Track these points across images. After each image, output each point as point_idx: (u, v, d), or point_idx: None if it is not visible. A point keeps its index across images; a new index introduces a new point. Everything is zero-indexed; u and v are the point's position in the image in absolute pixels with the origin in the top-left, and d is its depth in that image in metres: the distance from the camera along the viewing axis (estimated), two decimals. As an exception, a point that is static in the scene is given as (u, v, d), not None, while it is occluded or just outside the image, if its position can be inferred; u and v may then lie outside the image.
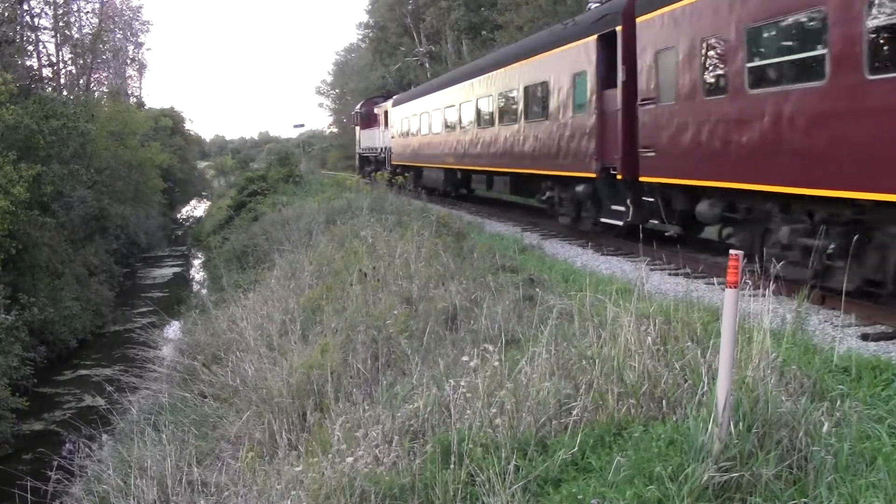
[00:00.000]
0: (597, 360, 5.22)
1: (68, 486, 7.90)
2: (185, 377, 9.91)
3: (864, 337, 7.16)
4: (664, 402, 4.81)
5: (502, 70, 19.24)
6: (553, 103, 15.71)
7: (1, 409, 12.52)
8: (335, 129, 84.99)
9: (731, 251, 4.04)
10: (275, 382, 7.42)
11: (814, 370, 5.20)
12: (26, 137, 18.30)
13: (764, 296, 5.48)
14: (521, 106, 17.68)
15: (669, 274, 10.76)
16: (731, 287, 3.97)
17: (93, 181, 25.51)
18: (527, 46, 18.40)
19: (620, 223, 13.27)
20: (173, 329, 16.55)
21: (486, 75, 20.50)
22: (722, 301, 4.14)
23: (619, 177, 12.93)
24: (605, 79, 13.56)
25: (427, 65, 49.94)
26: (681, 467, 3.91)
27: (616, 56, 13.02)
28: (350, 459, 4.83)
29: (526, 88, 17.30)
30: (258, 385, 7.76)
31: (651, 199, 12.41)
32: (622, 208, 13.20)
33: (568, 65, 15.00)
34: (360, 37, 70.69)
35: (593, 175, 13.94)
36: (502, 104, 19.15)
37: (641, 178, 12.39)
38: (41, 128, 18.74)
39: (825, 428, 4.16)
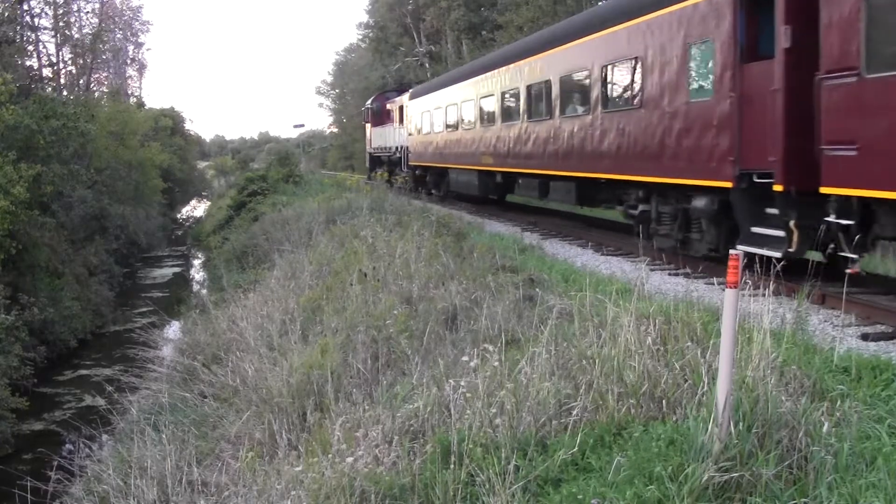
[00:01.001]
0: (597, 360, 5.22)
1: (68, 486, 7.90)
2: (185, 377, 9.92)
3: (864, 337, 7.16)
4: (664, 402, 4.81)
5: (565, 48, 15.23)
6: (651, 86, 11.70)
7: (1, 409, 12.52)
8: (335, 129, 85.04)
9: (732, 251, 4.03)
10: (275, 382, 7.42)
11: (814, 370, 5.20)
12: (26, 137, 18.29)
13: (764, 296, 5.49)
14: (595, 92, 13.69)
15: (669, 274, 10.76)
16: (731, 287, 3.97)
17: (93, 181, 25.52)
18: (604, 14, 14.20)
19: (778, 255, 8.62)
20: (173, 329, 16.56)
21: (541, 56, 16.44)
22: (722, 301, 4.14)
23: (776, 187, 8.97)
24: (749, 48, 9.77)
25: (427, 65, 49.92)
26: (681, 467, 3.91)
27: (765, 14, 9.31)
28: (350, 459, 4.83)
29: (604, 69, 13.30)
30: (258, 385, 7.76)
31: (844, 221, 8.21)
32: (778, 233, 9.20)
33: (676, 33, 11.07)
34: (360, 37, 70.67)
35: (727, 184, 9.99)
36: (565, 91, 15.27)
37: (826, 189, 8.29)
38: (41, 128, 18.74)
39: (825, 428, 4.16)
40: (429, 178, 27.92)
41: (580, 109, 14.55)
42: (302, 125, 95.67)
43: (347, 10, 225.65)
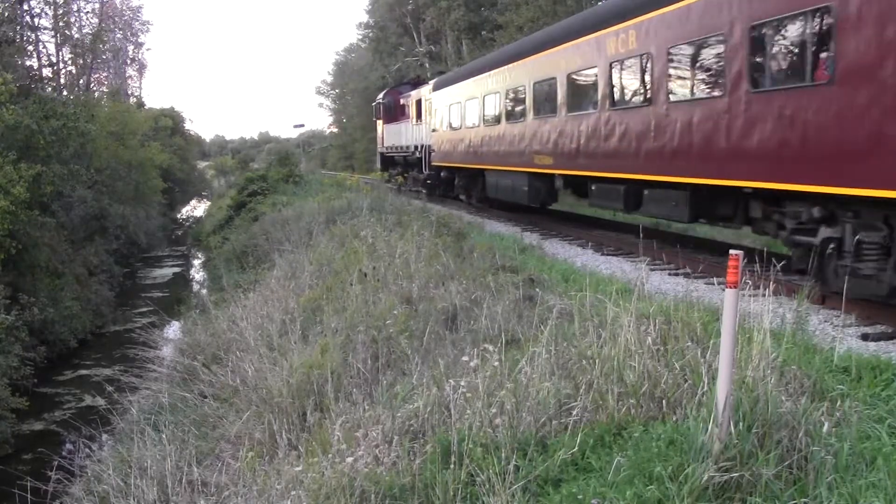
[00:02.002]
0: (597, 360, 5.22)
1: (68, 486, 7.89)
2: (185, 377, 9.91)
3: (864, 337, 7.16)
4: (664, 402, 4.81)
5: (678, 6, 10.81)
6: (856, 52, 7.63)
7: (1, 409, 12.53)
8: (335, 129, 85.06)
9: (731, 251, 4.03)
10: (275, 382, 7.42)
11: (814, 370, 5.20)
12: (26, 137, 18.31)
13: (764, 296, 5.49)
14: (736, 63, 9.52)
15: (669, 274, 10.76)
16: (731, 287, 3.96)
17: (93, 181, 25.53)
18: None
19: None
20: (173, 329, 16.56)
21: (635, 22, 12.05)
22: (722, 301, 4.14)
23: None
24: None
25: (427, 65, 49.93)
26: (681, 467, 3.90)
27: None
28: (350, 459, 4.83)
29: (753, 30, 9.16)
30: (258, 385, 7.76)
31: None
32: None
33: None
34: (360, 37, 70.73)
35: None
36: (676, 66, 11.11)
37: None
38: (41, 128, 18.75)
39: (825, 428, 4.16)
40: (459, 182, 23.95)
41: (704, 91, 10.52)
42: (302, 125, 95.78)
43: (347, 10, 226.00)
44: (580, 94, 14.49)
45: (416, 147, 28.21)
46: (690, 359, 5.13)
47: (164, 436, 7.01)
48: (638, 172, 12.24)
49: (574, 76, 14.65)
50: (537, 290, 8.71)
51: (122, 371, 11.99)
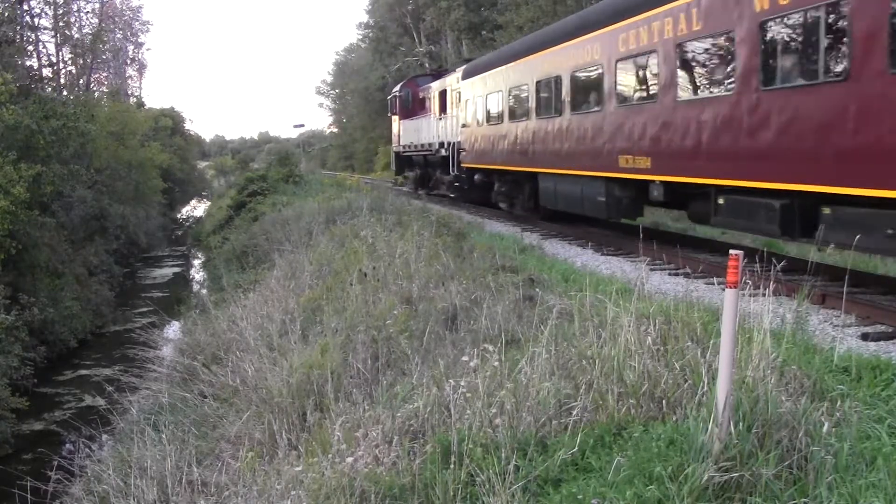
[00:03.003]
0: (597, 360, 5.22)
1: (68, 486, 7.89)
2: (185, 377, 9.91)
3: (864, 337, 7.16)
4: (664, 402, 4.81)
5: None
6: None
7: (1, 409, 12.52)
8: (335, 129, 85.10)
9: (731, 251, 4.04)
10: (275, 382, 7.42)
11: (814, 370, 5.20)
12: (26, 137, 18.31)
13: (764, 296, 5.48)
14: None
15: (669, 274, 10.76)
16: (731, 287, 3.96)
17: (93, 181, 25.53)
18: None
19: None
20: (173, 329, 16.56)
21: None
22: (722, 301, 4.14)
23: None
24: None
25: (427, 65, 49.95)
26: (681, 467, 3.90)
27: None
28: (350, 459, 4.83)
29: None
30: (258, 385, 7.76)
31: None
32: None
33: None
34: (360, 37, 70.81)
35: None
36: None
37: None
38: (41, 128, 18.75)
39: (825, 428, 4.15)
40: (499, 187, 19.75)
41: None
42: (302, 125, 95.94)
43: (347, 10, 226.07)
44: (702, 71, 10.67)
45: (440, 145, 24.45)
46: (690, 359, 5.13)
47: (164, 436, 7.01)
48: (814, 181, 8.37)
49: (688, 47, 10.61)
50: (537, 290, 8.71)
51: (122, 371, 11.98)
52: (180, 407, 8.70)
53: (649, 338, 5.33)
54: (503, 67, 18.64)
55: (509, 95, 18.18)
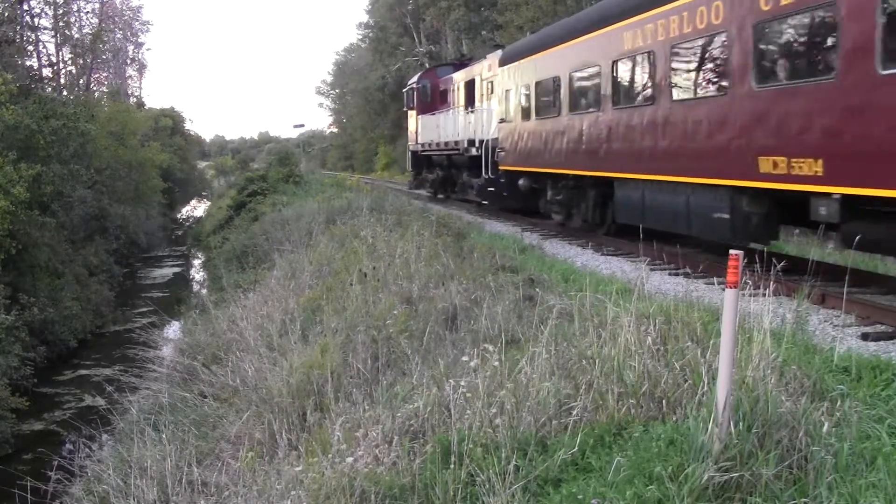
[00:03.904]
0: (597, 360, 5.22)
1: (68, 486, 7.90)
2: (185, 377, 9.92)
3: (864, 337, 7.16)
4: (664, 402, 4.81)
5: None
6: None
7: (1, 409, 12.52)
8: (335, 129, 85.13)
9: (731, 251, 4.03)
10: (275, 382, 7.42)
11: (814, 370, 5.20)
12: (26, 137, 18.31)
13: (764, 296, 5.49)
14: None
15: (669, 274, 10.76)
16: (731, 287, 3.96)
17: (93, 181, 25.52)
18: None
19: None
20: (173, 329, 16.56)
21: None
22: (722, 301, 4.14)
23: None
24: None
25: (427, 64, 49.96)
26: (681, 467, 3.90)
27: None
28: (350, 459, 4.83)
29: None
30: (258, 385, 7.76)
31: None
32: None
33: None
34: (360, 37, 70.87)
35: None
36: None
37: None
38: (41, 128, 18.75)
39: (825, 428, 4.15)
40: (553, 195, 16.15)
41: None
42: (302, 125, 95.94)
43: (347, 10, 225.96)
44: None
45: (469, 143, 21.31)
46: (690, 359, 5.13)
47: (164, 436, 7.01)
48: None
49: None
50: (537, 290, 8.71)
51: (122, 371, 11.98)
52: (180, 407, 8.70)
53: (649, 338, 5.33)
54: (560, 48, 15.00)
55: (570, 82, 14.49)
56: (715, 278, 9.45)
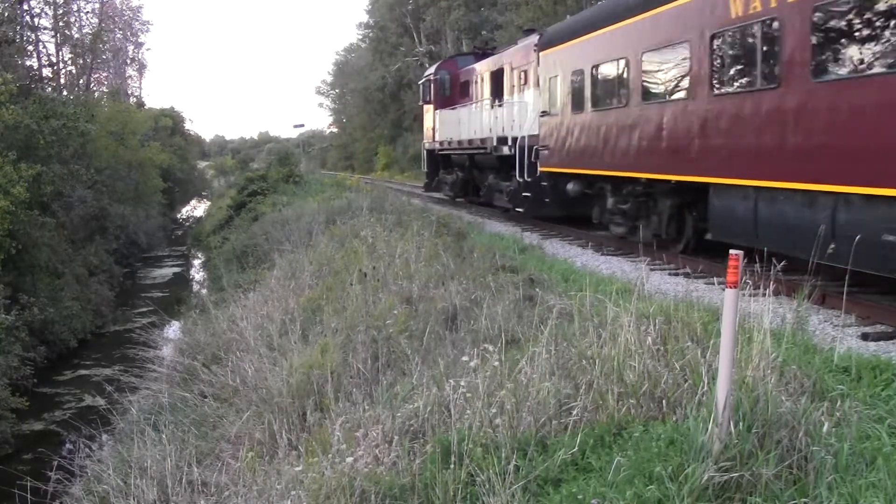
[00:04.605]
0: (597, 360, 5.22)
1: (68, 486, 7.90)
2: (185, 377, 9.91)
3: (864, 337, 7.16)
4: (664, 402, 4.81)
5: None
6: None
7: (1, 409, 12.52)
8: (335, 129, 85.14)
9: (731, 251, 4.03)
10: (275, 382, 7.42)
11: (814, 370, 5.20)
12: (26, 137, 18.32)
13: (764, 296, 5.49)
14: None
15: (669, 274, 10.76)
16: (731, 287, 3.96)
17: (93, 181, 25.51)
18: None
19: None
20: (173, 329, 16.55)
21: None
22: (722, 301, 4.14)
23: None
24: None
25: (427, 65, 50.00)
26: (681, 467, 3.91)
27: None
28: (350, 459, 4.83)
29: None
30: (258, 385, 7.76)
31: None
32: None
33: None
34: (360, 37, 70.94)
35: None
36: None
37: None
38: (41, 128, 18.76)
39: (825, 428, 4.15)
40: (618, 203, 13.60)
41: None
42: (302, 125, 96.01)
43: (347, 10, 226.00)
44: None
45: (499, 140, 18.90)
46: (690, 359, 5.13)
47: (164, 436, 7.01)
48: None
49: None
50: (537, 290, 8.71)
51: (122, 371, 11.99)
52: (180, 407, 8.70)
53: (649, 338, 5.33)
54: (630, 22, 12.40)
55: (641, 63, 12.02)
56: (715, 278, 9.46)
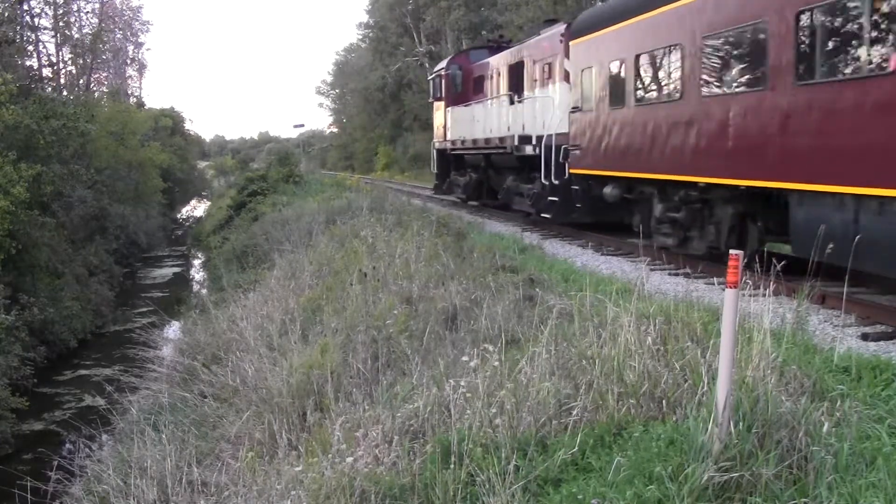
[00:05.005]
0: (597, 360, 5.22)
1: (68, 486, 7.90)
2: (185, 377, 9.91)
3: (864, 337, 7.16)
4: (664, 402, 4.81)
5: None
6: None
7: (1, 409, 12.52)
8: (335, 129, 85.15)
9: (731, 251, 4.03)
10: (275, 382, 7.42)
11: (814, 370, 5.20)
12: (26, 137, 18.32)
13: (764, 296, 5.49)
14: None
15: (669, 274, 10.75)
16: (731, 287, 3.96)
17: (93, 181, 25.52)
18: None
19: None
20: (173, 329, 16.56)
21: None
22: (722, 301, 4.14)
23: None
24: None
25: (427, 65, 49.98)
26: (681, 467, 3.90)
27: None
28: (350, 459, 4.83)
29: None
30: (258, 385, 7.76)
31: None
32: None
33: None
34: (360, 37, 70.93)
35: None
36: None
37: None
38: (41, 128, 18.76)
39: (825, 428, 4.15)
40: (667, 211, 11.88)
41: None
42: (302, 125, 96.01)
43: (347, 10, 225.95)
44: None
45: (519, 140, 17.35)
46: (690, 359, 5.13)
47: (164, 436, 7.01)
48: None
49: None
50: (537, 290, 8.71)
51: (122, 371, 11.99)
52: (180, 407, 8.71)
53: (649, 338, 5.33)
54: (679, 4, 10.83)
55: (698, 50, 10.39)
56: (715, 278, 9.45)
